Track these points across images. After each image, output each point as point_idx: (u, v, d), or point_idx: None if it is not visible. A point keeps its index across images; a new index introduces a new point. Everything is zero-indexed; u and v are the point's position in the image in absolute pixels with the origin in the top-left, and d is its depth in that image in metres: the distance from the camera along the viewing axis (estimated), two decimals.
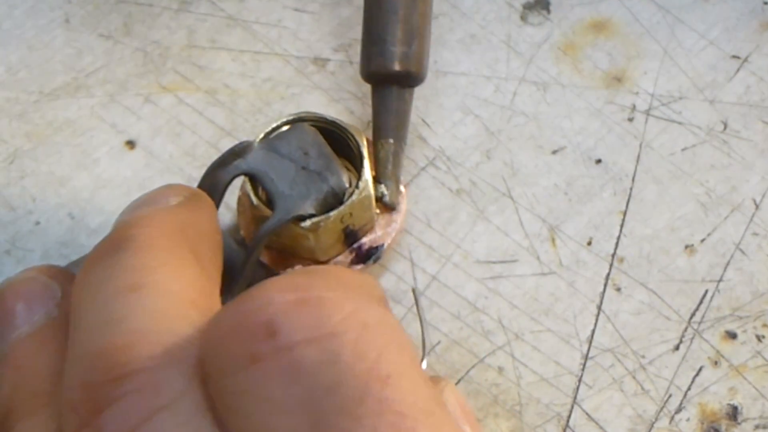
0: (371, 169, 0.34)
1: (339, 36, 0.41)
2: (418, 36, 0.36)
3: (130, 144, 0.38)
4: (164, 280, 0.23)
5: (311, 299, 0.20)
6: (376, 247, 0.35)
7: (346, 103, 0.39)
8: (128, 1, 0.41)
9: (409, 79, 0.36)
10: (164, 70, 0.40)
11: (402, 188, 0.36)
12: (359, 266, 0.34)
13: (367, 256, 0.34)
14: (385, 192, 0.35)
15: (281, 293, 0.20)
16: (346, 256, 0.34)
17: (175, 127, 0.39)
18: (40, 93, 0.39)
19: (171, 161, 0.38)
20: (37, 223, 0.37)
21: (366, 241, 0.35)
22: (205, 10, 0.41)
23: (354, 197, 0.33)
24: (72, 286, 0.24)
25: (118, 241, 0.24)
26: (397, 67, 0.36)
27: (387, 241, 0.35)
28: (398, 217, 0.35)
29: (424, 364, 0.33)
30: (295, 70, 0.40)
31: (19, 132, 0.38)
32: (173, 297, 0.22)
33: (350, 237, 0.34)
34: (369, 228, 0.34)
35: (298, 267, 0.34)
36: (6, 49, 0.40)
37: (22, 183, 0.37)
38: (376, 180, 0.35)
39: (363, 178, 0.33)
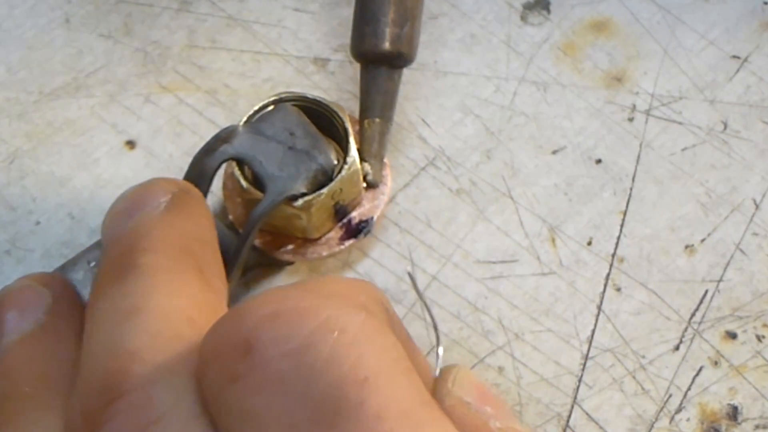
0: (356, 144, 0.34)
1: (339, 36, 0.41)
2: (411, 18, 0.36)
3: (130, 144, 0.38)
4: (162, 302, 0.23)
5: (284, 311, 0.20)
6: (366, 221, 0.35)
7: (346, 103, 0.39)
8: (128, 1, 0.41)
9: (400, 59, 0.36)
10: (164, 70, 0.40)
11: (385, 161, 0.36)
12: (350, 241, 0.34)
13: (357, 231, 0.35)
14: (369, 171, 0.35)
15: (256, 309, 0.20)
16: (336, 232, 0.35)
17: (175, 127, 0.39)
18: (40, 93, 0.39)
19: (171, 161, 0.38)
20: (38, 223, 0.37)
21: (355, 215, 0.35)
22: (205, 10, 0.41)
23: (343, 173, 0.33)
24: (85, 312, 0.25)
25: (122, 267, 0.25)
26: (388, 47, 0.36)
27: (376, 214, 0.35)
28: (385, 189, 0.35)
29: (440, 351, 0.33)
30: (295, 70, 0.40)
31: (19, 132, 0.38)
32: (169, 317, 0.23)
33: (340, 213, 0.34)
34: (357, 202, 0.35)
35: (290, 247, 0.34)
36: (6, 49, 0.40)
37: (22, 183, 0.37)
38: (361, 159, 0.35)
39: (350, 154, 0.33)
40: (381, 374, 0.19)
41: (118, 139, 0.38)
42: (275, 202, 0.32)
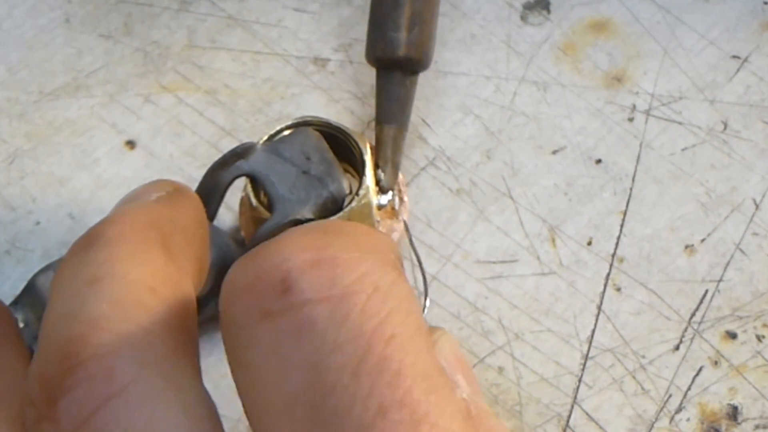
0: (373, 176, 0.34)
1: (339, 36, 0.41)
2: (421, 22, 0.36)
3: (130, 144, 0.38)
4: (124, 271, 0.23)
5: (326, 259, 0.21)
6: None
7: (346, 103, 0.39)
8: (128, 1, 0.41)
9: (412, 64, 0.36)
10: (164, 70, 0.40)
11: (405, 198, 0.35)
12: None
13: None
14: (382, 176, 0.35)
15: (297, 252, 0.21)
16: None
17: (175, 127, 0.39)
18: (40, 93, 0.39)
19: (171, 161, 0.38)
20: (37, 223, 0.37)
21: None
22: (205, 10, 0.41)
23: (354, 204, 0.33)
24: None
25: (89, 238, 0.24)
26: (399, 52, 0.36)
27: None
28: (399, 226, 0.35)
29: (427, 302, 0.33)
30: (295, 70, 0.40)
31: (19, 132, 0.38)
32: (130, 286, 0.23)
33: None
34: None
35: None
36: (6, 49, 0.40)
37: (22, 183, 0.37)
38: (375, 164, 0.35)
39: (364, 185, 0.33)
40: (405, 335, 0.20)
41: (118, 139, 0.38)
42: (279, 224, 0.32)
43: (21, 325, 0.31)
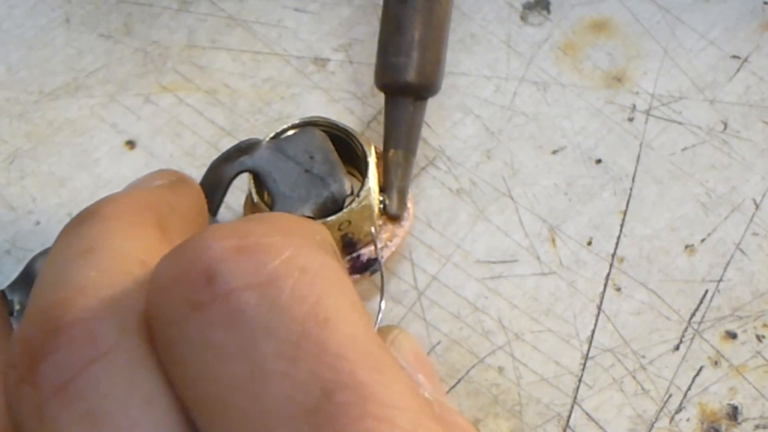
0: (377, 180, 0.34)
1: (339, 36, 0.41)
2: (427, 48, 0.36)
3: (130, 144, 0.38)
4: (116, 244, 0.23)
5: (249, 245, 0.20)
6: (375, 260, 0.34)
7: (346, 103, 0.39)
8: (128, 1, 0.41)
9: (419, 90, 0.36)
10: (164, 70, 0.40)
11: (409, 205, 0.35)
12: (356, 276, 0.34)
13: (364, 268, 0.34)
14: (387, 202, 0.34)
15: (219, 240, 0.20)
16: (344, 264, 0.34)
17: (175, 127, 0.39)
18: (40, 93, 0.39)
19: (171, 161, 0.38)
20: (37, 223, 0.37)
21: (365, 252, 0.34)
22: (205, 10, 0.41)
23: (354, 205, 0.33)
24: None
25: (85, 214, 0.24)
26: (405, 78, 0.35)
27: (386, 255, 0.34)
28: (401, 232, 0.35)
29: (383, 305, 0.33)
30: (295, 70, 0.40)
31: (19, 132, 0.38)
32: (121, 257, 0.23)
33: (349, 246, 0.34)
34: (370, 239, 0.34)
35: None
36: (6, 49, 0.40)
37: (22, 183, 0.37)
38: (382, 189, 0.34)
39: (365, 187, 0.33)
40: (340, 316, 0.20)
41: (118, 139, 0.38)
42: None
43: (17, 307, 0.31)
